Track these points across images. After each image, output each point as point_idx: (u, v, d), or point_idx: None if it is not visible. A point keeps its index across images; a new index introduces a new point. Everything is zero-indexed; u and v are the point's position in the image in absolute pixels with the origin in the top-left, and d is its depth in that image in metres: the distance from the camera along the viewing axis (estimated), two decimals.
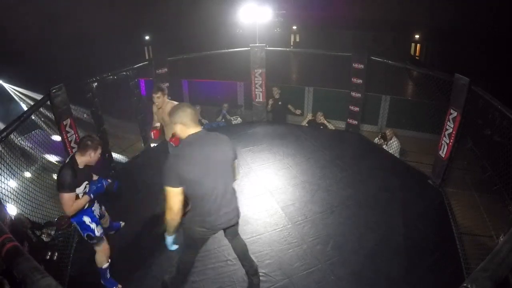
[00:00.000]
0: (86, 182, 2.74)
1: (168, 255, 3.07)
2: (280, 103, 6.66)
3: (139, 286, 2.95)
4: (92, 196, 2.76)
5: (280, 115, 6.74)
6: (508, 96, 3.70)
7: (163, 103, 3.74)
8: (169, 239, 2.37)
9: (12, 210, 2.98)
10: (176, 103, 3.58)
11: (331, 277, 2.98)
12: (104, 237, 2.92)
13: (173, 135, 3.48)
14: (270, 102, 6.67)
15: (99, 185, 2.79)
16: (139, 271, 3.08)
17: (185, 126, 2.15)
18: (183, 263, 2.58)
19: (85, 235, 2.81)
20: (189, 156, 2.13)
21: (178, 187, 2.10)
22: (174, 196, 2.11)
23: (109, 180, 2.91)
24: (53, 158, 4.41)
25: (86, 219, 2.78)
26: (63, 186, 2.53)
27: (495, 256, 1.34)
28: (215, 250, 3.26)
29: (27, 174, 3.81)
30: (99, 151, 2.71)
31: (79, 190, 2.68)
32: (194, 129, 2.17)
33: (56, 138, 4.05)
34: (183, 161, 2.12)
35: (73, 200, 2.60)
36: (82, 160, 2.66)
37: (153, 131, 3.83)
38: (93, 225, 2.80)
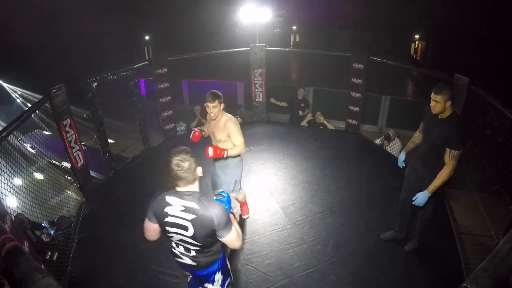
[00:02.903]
0: None
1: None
2: (302, 105, 6.64)
3: (142, 286, 2.96)
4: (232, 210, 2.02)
5: (298, 116, 6.72)
6: (508, 96, 3.70)
7: (218, 114, 2.93)
8: (428, 196, 2.74)
9: (12, 209, 2.99)
10: (231, 116, 3.00)
11: (331, 277, 2.98)
12: None
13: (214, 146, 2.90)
14: (273, 100, 6.68)
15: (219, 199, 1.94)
16: (141, 272, 3.08)
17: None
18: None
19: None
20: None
21: None
22: None
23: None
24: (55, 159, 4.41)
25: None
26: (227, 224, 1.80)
27: (495, 256, 1.34)
28: None
29: (27, 174, 3.81)
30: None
31: None
32: None
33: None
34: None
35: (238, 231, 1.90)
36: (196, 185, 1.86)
37: (195, 131, 3.06)
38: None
